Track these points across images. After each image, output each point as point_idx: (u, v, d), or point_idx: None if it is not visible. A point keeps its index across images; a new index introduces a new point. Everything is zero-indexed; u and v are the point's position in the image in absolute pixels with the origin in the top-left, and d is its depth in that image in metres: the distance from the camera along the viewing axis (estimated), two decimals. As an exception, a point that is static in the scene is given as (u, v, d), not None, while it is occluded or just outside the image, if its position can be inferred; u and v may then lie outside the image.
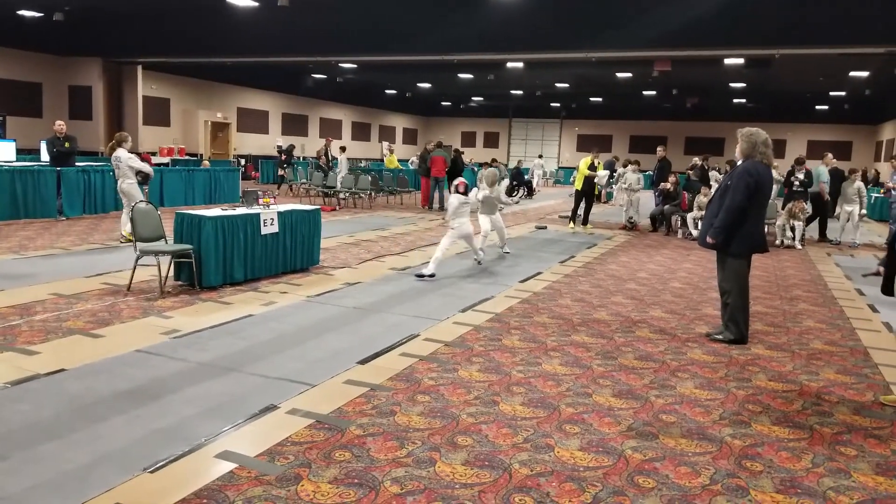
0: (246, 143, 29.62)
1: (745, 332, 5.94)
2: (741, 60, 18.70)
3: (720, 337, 6.00)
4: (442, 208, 18.02)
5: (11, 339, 5.23)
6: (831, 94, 28.64)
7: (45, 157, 14.91)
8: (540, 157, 35.48)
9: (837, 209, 13.96)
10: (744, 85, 26.47)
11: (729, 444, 3.87)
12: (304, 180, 19.71)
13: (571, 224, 14.90)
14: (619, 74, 24.55)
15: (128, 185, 9.89)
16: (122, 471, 3.27)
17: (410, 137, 44.56)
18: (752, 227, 5.73)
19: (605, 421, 4.12)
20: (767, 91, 28.83)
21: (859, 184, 13.45)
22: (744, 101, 32.90)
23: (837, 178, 14.72)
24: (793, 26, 14.49)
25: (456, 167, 18.04)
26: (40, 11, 17.42)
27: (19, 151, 17.01)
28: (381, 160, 32.91)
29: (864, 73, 22.17)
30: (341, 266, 9.05)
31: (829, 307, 7.66)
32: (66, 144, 13.36)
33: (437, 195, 18.18)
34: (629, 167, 15.97)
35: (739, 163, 5.81)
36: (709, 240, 5.77)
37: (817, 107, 33.27)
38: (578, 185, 14.61)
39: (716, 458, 3.68)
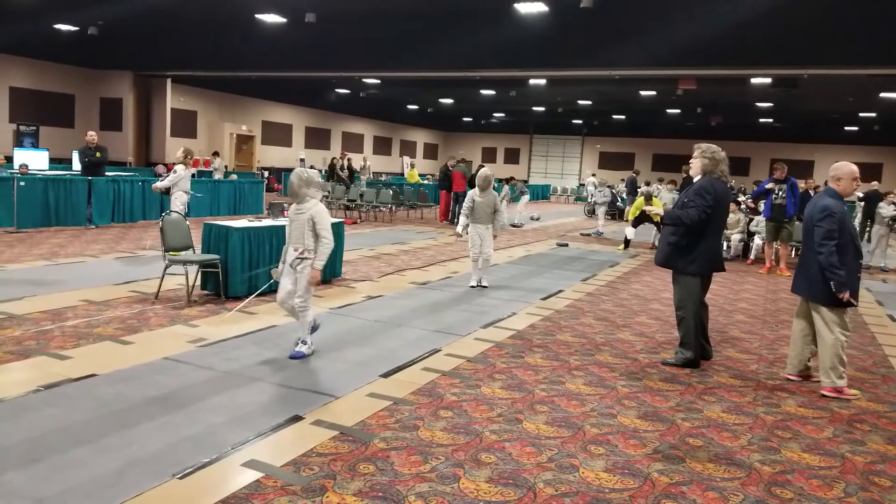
0: (269, 156, 29.96)
1: (697, 355, 5.73)
2: (768, 80, 18.60)
3: (672, 360, 5.80)
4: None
5: (44, 344, 5.32)
6: (861, 115, 28.34)
7: (76, 166, 15.24)
8: (593, 175, 34.74)
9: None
10: (770, 104, 26.30)
11: (758, 470, 3.82)
12: (326, 193, 19.92)
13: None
14: (642, 92, 24.52)
15: None
16: (152, 476, 3.31)
17: (431, 152, 44.78)
18: (709, 245, 5.60)
19: (631, 443, 4.09)
20: (795, 111, 28.60)
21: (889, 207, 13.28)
22: (770, 120, 32.68)
23: (874, 200, 14.54)
24: (822, 46, 14.40)
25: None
26: (76, 25, 17.84)
27: (52, 161, 17.39)
28: (402, 174, 33.11)
29: (895, 95, 21.92)
30: (363, 279, 9.10)
31: (859, 332, 7.53)
32: (97, 154, 13.65)
33: (457, 210, 18.24)
34: (664, 186, 15.92)
35: (696, 179, 5.66)
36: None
37: (846, 128, 32.92)
38: (631, 216, 14.39)
39: (745, 483, 3.63)
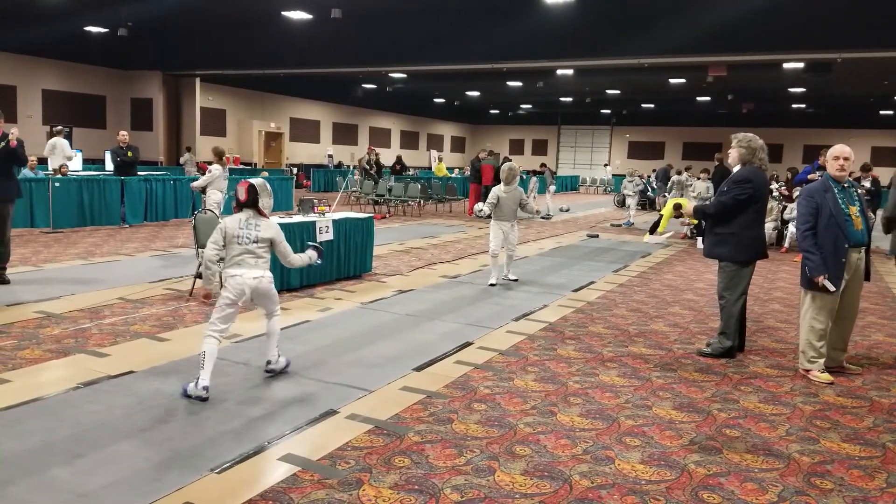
0: (298, 153, 30.20)
1: (734, 345, 5.67)
2: (801, 65, 18.23)
3: (708, 350, 5.74)
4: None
5: (83, 342, 5.44)
6: (896, 98, 27.69)
7: (109, 166, 15.52)
8: (606, 165, 34.05)
9: None
10: (803, 90, 25.78)
11: (797, 460, 3.76)
12: (355, 188, 20.01)
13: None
14: (672, 80, 24.22)
15: None
16: (192, 471, 3.36)
17: (458, 146, 44.73)
18: (754, 233, 5.54)
19: (667, 434, 4.05)
20: (828, 96, 28.01)
21: None
22: (803, 106, 32.06)
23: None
24: (855, 29, 14.05)
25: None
26: (105, 27, 18.17)
27: (85, 161, 17.72)
28: (430, 168, 33.12)
29: (932, 77, 21.34)
30: (393, 273, 9.13)
31: (897, 320, 7.38)
32: (129, 154, 13.88)
33: None
34: (699, 176, 15.74)
35: (736, 169, 5.61)
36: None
37: (881, 112, 32.16)
38: (662, 228, 14.17)
39: (783, 474, 3.58)
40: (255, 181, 4.64)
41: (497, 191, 8.51)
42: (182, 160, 22.57)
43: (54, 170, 14.43)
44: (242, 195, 4.55)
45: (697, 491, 3.36)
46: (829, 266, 5.00)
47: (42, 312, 6.32)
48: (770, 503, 3.27)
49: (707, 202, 5.44)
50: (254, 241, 4.52)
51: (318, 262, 4.99)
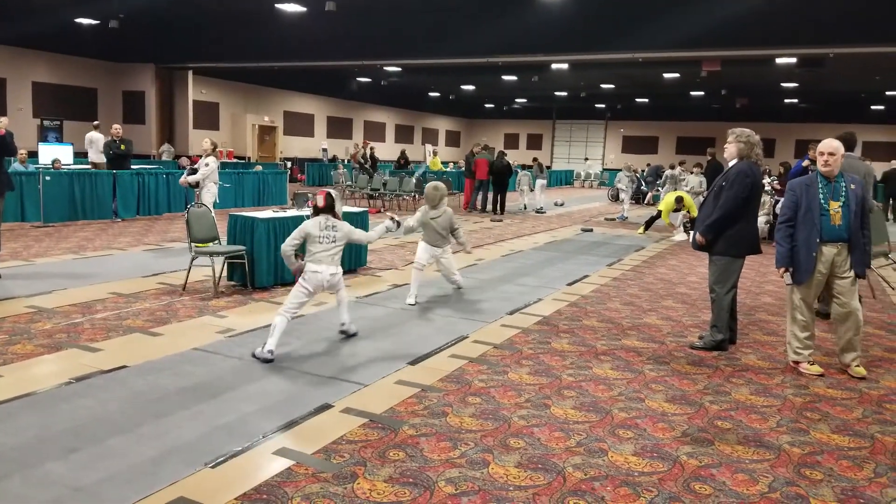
0: (292, 146, 30.11)
1: (726, 338, 5.71)
2: (793, 60, 18.27)
3: (700, 343, 5.78)
4: (485, 210, 18.10)
5: (75, 337, 5.43)
6: (888, 93, 27.75)
7: (93, 158, 15.48)
8: (587, 159, 34.15)
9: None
10: (796, 85, 25.83)
11: (787, 451, 3.79)
12: (349, 183, 20.00)
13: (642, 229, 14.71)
14: (666, 75, 24.22)
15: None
16: (186, 465, 3.37)
17: (453, 140, 44.67)
18: (748, 228, 5.58)
19: (659, 426, 4.08)
20: (820, 91, 28.07)
21: None
22: (795, 101, 32.10)
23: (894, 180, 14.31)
24: (847, 25, 14.09)
25: (502, 169, 18.00)
26: (96, 19, 18.01)
27: (76, 155, 17.62)
28: (425, 162, 33.07)
29: (924, 72, 21.40)
30: (388, 268, 9.14)
31: (888, 313, 7.43)
32: (122, 147, 13.82)
33: (479, 197, 18.30)
34: (691, 170, 15.83)
35: (732, 163, 5.62)
36: (698, 238, 5.54)
37: (872, 107, 32.27)
38: (665, 219, 14.30)
39: (774, 465, 3.61)
40: (332, 191, 5.44)
41: (421, 214, 7.19)
42: (160, 150, 22.67)
43: (93, 163, 14.87)
44: (321, 202, 5.35)
45: (689, 482, 3.39)
46: (801, 259, 5.06)
47: (33, 307, 6.30)
48: (761, 494, 3.30)
49: (719, 201, 5.42)
50: (331, 241, 5.30)
51: (394, 228, 5.85)
